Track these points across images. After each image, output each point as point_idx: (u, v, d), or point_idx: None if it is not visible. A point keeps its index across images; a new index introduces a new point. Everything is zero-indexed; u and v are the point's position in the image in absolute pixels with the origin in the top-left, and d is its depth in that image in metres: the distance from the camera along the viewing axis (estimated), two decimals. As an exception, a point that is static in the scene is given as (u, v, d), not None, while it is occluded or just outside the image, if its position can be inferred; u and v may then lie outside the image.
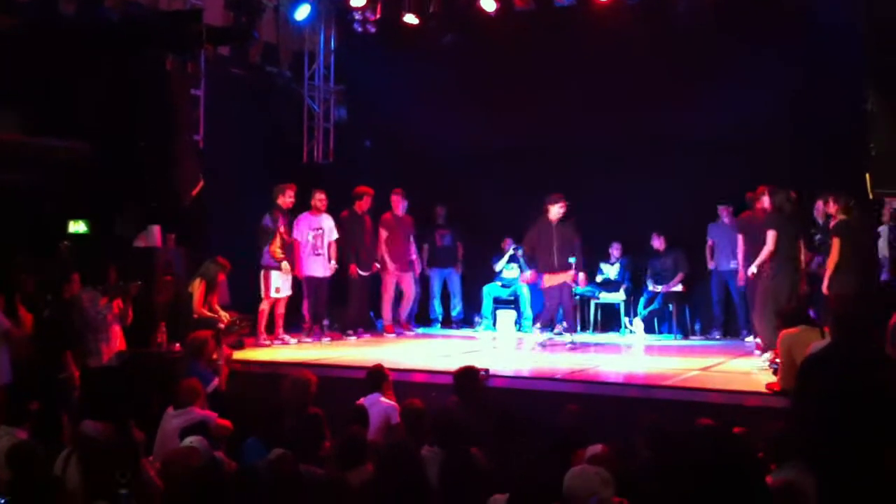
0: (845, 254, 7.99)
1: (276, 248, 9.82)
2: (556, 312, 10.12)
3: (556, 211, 9.84)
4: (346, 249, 10.62)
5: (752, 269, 8.32)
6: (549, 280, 9.90)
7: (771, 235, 8.17)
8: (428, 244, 12.10)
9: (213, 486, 4.65)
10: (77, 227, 9.90)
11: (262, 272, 9.88)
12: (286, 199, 10.01)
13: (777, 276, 8.16)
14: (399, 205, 11.24)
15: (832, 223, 8.26)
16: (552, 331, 10.02)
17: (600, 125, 11.04)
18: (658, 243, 11.28)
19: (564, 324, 11.31)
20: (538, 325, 10.06)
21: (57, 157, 9.66)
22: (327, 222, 10.52)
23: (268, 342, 9.79)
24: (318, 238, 10.45)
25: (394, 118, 12.03)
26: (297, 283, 10.33)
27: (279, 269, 9.82)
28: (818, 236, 8.77)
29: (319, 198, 10.48)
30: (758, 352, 8.62)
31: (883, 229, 8.47)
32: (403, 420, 6.06)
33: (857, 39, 8.32)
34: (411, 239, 11.51)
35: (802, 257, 8.43)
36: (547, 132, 11.40)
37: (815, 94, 9.89)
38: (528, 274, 10.41)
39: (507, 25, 11.49)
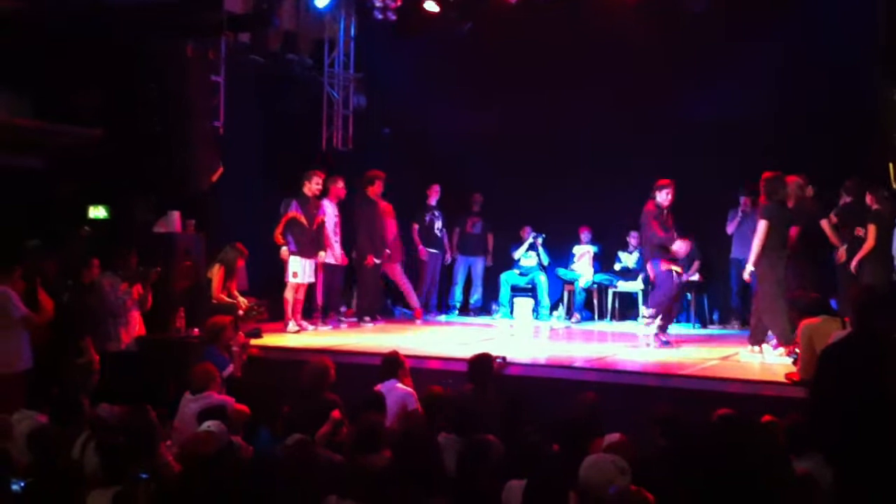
0: (879, 242, 8.16)
1: (278, 232, 9.83)
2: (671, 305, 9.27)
3: (662, 197, 9.11)
4: (361, 236, 10.63)
5: (750, 267, 8.12)
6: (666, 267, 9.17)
7: (762, 225, 8.07)
8: (458, 229, 12.12)
9: (230, 471, 4.68)
10: (97, 212, 9.96)
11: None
12: (312, 185, 10.01)
13: (776, 266, 8.09)
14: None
15: (873, 210, 8.34)
16: (655, 322, 9.12)
17: (620, 115, 10.99)
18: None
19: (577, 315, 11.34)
20: (649, 318, 9.14)
21: (72, 143, 9.71)
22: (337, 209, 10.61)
23: (295, 329, 9.81)
24: (337, 225, 10.50)
25: (413, 106, 12.01)
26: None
27: (283, 254, 9.83)
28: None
29: (340, 186, 10.51)
30: (755, 347, 8.42)
31: None
32: (424, 407, 6.07)
33: (877, 27, 8.24)
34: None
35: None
36: (566, 121, 11.35)
37: (834, 82, 9.80)
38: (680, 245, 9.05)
39: (527, 13, 11.42)
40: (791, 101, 10.12)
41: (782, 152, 9.79)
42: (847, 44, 9.05)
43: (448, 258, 12.03)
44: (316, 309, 10.53)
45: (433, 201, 11.72)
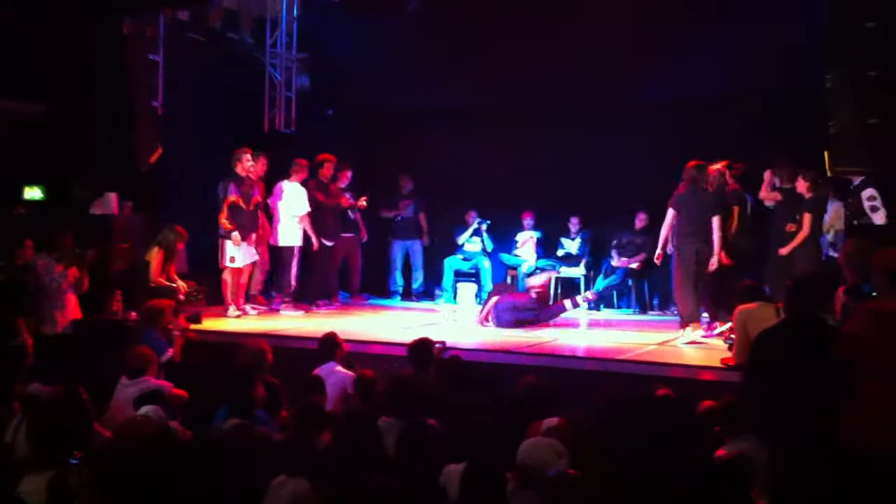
0: (814, 229, 8.35)
1: (223, 217, 9.66)
2: None
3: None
4: (312, 219, 10.51)
5: (718, 251, 8.29)
6: None
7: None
8: (393, 213, 12.00)
9: (165, 455, 4.61)
10: (32, 192, 9.74)
11: (219, 241, 9.78)
12: (244, 164, 9.86)
13: (681, 249, 8.28)
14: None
15: (807, 198, 8.45)
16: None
17: (564, 101, 11.01)
18: (640, 222, 11.21)
19: None
20: None
21: (10, 119, 9.48)
22: None
23: (236, 313, 9.68)
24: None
25: (358, 86, 11.90)
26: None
27: (228, 238, 9.69)
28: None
29: (265, 162, 10.33)
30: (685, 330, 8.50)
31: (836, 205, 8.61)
32: (357, 389, 6.07)
33: (821, 15, 8.34)
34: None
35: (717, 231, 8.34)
36: (511, 106, 11.34)
37: (781, 68, 9.89)
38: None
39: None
40: (749, 84, 10.16)
41: (735, 136, 9.91)
42: (800, 29, 9.14)
43: (364, 237, 11.61)
44: (262, 291, 10.47)
45: (344, 184, 11.36)
